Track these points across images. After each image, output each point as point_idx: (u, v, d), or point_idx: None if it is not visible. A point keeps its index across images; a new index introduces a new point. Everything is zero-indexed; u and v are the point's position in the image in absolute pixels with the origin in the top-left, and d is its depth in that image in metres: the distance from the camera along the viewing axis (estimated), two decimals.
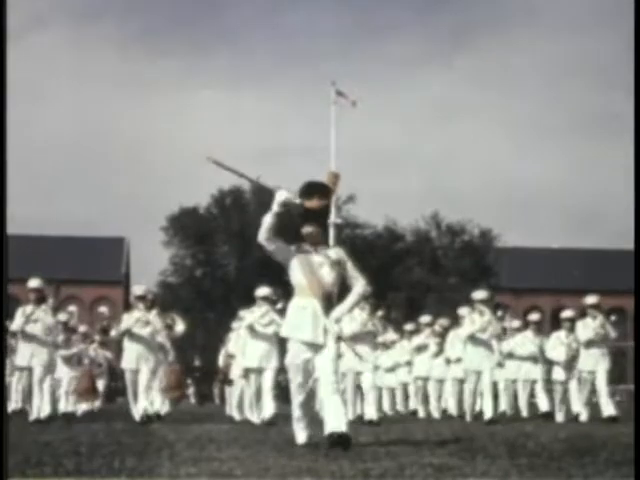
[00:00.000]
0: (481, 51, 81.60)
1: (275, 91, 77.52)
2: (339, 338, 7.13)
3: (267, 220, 6.99)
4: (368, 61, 78.98)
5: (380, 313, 13.47)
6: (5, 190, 8.06)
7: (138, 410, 12.74)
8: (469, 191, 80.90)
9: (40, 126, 77.75)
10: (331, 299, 7.19)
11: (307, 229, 7.16)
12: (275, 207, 6.98)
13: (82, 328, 18.34)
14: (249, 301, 13.79)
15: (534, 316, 16.91)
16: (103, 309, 32.92)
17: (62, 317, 15.76)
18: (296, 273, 7.23)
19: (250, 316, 13.12)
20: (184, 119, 77.67)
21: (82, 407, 17.07)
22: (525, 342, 16.29)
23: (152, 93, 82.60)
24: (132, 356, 13.04)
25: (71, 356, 16.43)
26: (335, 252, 7.34)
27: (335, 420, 6.80)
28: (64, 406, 16.14)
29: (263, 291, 13.29)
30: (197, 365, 31.30)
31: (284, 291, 13.05)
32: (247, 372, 13.40)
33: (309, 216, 7.14)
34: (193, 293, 52.01)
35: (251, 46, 77.11)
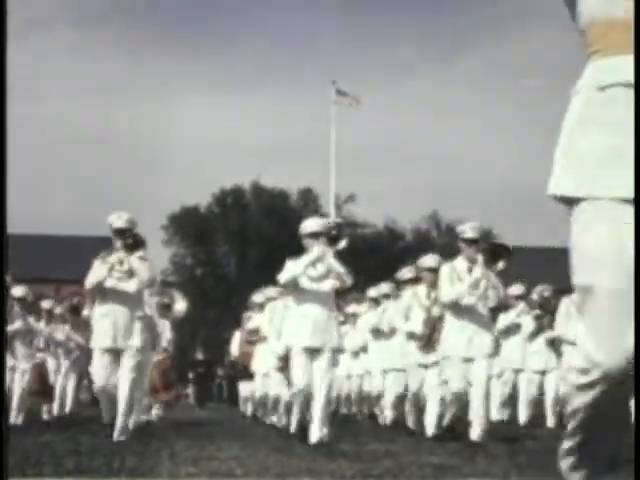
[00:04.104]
0: (481, 51, 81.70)
1: (275, 91, 77.58)
2: None
3: None
4: (368, 61, 79.00)
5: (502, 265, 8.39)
6: (5, 190, 8.05)
7: (105, 417, 8.15)
8: (469, 190, 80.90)
9: (40, 126, 77.77)
10: None
11: None
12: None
13: (45, 304, 13.50)
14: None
15: None
16: None
17: (17, 292, 11.06)
18: None
19: (293, 267, 7.78)
20: (185, 119, 77.71)
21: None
22: None
23: (153, 93, 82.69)
24: (106, 327, 7.88)
25: (13, 334, 10.78)
26: None
27: None
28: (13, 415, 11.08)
29: (313, 224, 7.96)
30: (199, 359, 30.67)
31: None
32: (287, 356, 8.06)
33: None
34: (193, 293, 51.96)
35: (251, 47, 77.15)
